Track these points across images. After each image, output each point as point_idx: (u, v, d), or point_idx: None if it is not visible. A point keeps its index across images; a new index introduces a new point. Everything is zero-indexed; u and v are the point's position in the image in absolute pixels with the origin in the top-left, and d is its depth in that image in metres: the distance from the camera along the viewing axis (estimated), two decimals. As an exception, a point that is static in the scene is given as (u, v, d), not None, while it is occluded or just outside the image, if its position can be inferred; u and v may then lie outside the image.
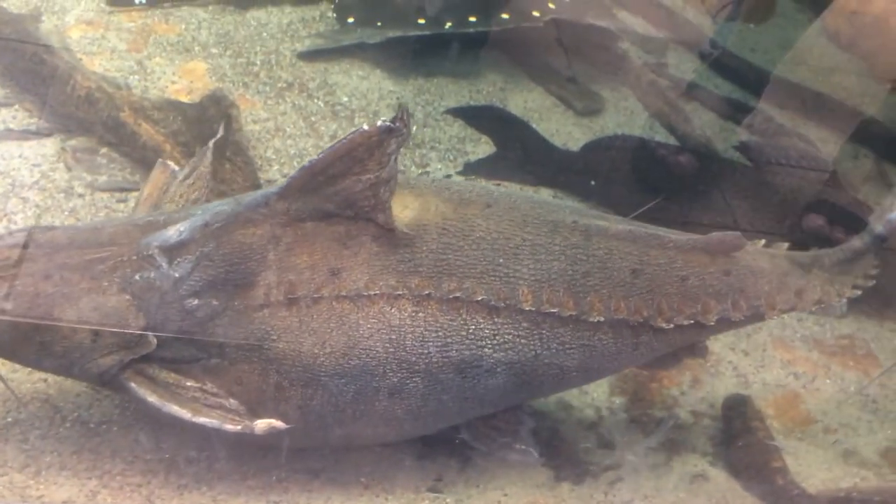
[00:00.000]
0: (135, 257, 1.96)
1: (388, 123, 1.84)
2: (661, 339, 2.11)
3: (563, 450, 2.31)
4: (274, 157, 3.09)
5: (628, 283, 2.05)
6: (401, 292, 1.93)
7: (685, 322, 2.09)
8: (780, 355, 2.75)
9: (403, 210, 1.99)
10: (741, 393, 2.54)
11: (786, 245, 2.28)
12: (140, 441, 2.11)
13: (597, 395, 2.49)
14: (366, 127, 1.84)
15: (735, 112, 3.45)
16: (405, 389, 1.95)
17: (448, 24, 3.56)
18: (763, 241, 2.26)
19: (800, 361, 2.74)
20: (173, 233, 1.97)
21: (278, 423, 1.90)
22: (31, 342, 1.93)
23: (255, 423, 1.90)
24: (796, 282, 2.20)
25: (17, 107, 3.00)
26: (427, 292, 1.93)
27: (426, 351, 1.93)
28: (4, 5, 3.28)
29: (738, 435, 2.38)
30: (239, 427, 1.89)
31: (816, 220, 2.84)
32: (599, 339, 2.04)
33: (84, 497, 1.96)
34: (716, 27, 3.81)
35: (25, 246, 2.02)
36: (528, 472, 2.22)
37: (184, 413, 1.88)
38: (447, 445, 2.18)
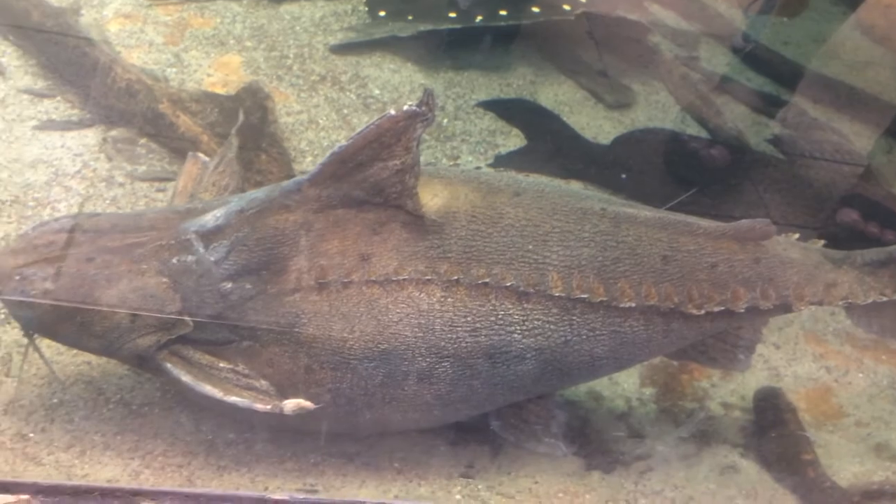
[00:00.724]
0: (173, 242, 2.01)
1: (414, 108, 1.87)
2: (691, 326, 2.11)
3: (593, 439, 2.33)
4: (307, 148, 3.14)
5: (659, 269, 2.06)
6: (430, 278, 1.95)
7: (715, 309, 2.09)
8: (813, 349, 2.75)
9: (433, 198, 2.02)
10: (773, 385, 2.54)
11: (821, 243, 2.27)
12: (181, 423, 2.16)
13: (627, 386, 2.51)
14: (392, 112, 1.87)
15: (767, 105, 3.44)
16: (434, 374, 1.98)
17: (479, 18, 3.59)
18: (797, 235, 2.26)
19: (832, 355, 2.73)
20: (210, 218, 2.03)
21: (307, 404, 1.93)
22: (73, 322, 1.99)
23: (284, 403, 1.93)
24: (826, 275, 2.19)
25: (59, 98, 3.07)
26: (456, 278, 1.96)
27: (455, 336, 1.96)
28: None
29: (769, 427, 2.38)
30: (268, 407, 1.93)
31: (850, 215, 2.83)
32: (630, 326, 2.05)
33: (127, 476, 2.01)
34: (748, 20, 3.79)
35: (71, 230, 2.09)
36: (559, 460, 2.24)
37: (216, 392, 1.92)
38: (479, 433, 2.21)
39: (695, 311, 2.08)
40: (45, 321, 2.01)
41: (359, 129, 1.90)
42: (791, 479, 2.27)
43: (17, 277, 1.99)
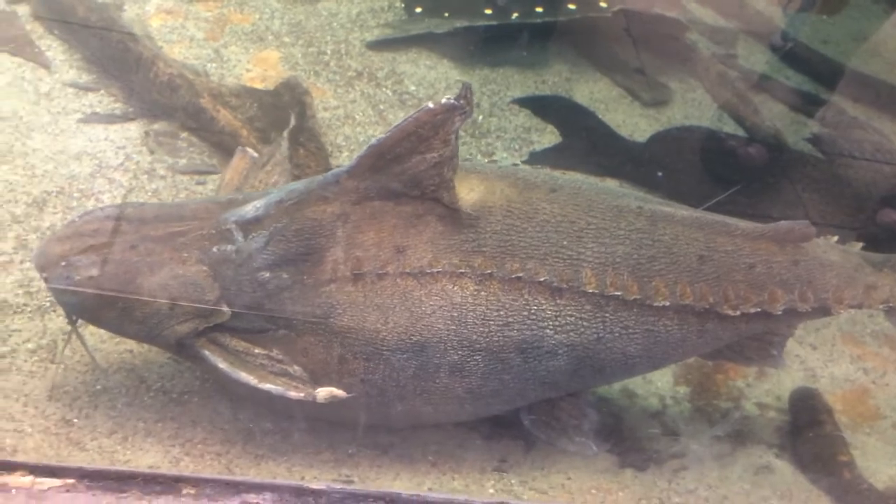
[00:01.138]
0: (213, 231, 2.04)
1: (451, 101, 1.88)
2: (726, 327, 2.10)
3: (626, 437, 2.33)
4: (344, 143, 3.17)
5: (694, 268, 2.06)
6: (464, 271, 1.96)
7: (751, 310, 2.08)
8: (850, 350, 2.72)
9: (469, 192, 2.03)
10: (809, 386, 2.52)
11: (860, 245, 2.24)
12: (219, 412, 2.20)
13: (661, 385, 2.50)
14: (430, 105, 1.89)
15: (806, 104, 3.40)
16: (466, 367, 1.99)
17: (515, 15, 3.59)
18: (836, 238, 2.23)
19: (869, 356, 2.70)
20: (250, 209, 2.06)
21: (339, 392, 1.96)
22: (115, 307, 2.03)
23: (317, 391, 1.96)
24: (866, 278, 2.17)
25: (102, 92, 3.13)
26: (490, 271, 1.96)
27: (487, 329, 1.96)
28: (90, -5, 3.43)
29: (805, 428, 2.36)
30: (302, 395, 1.95)
31: (891, 215, 2.79)
32: (664, 325, 2.05)
33: (168, 463, 2.06)
34: (787, 18, 3.74)
35: (116, 219, 2.13)
36: (592, 457, 2.24)
37: (251, 379, 1.95)
38: (513, 427, 2.22)
39: (730, 312, 2.06)
40: (89, 307, 2.05)
41: (397, 122, 1.92)
42: (827, 480, 2.25)
43: (63, 264, 2.04)
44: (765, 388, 2.54)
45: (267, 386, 1.96)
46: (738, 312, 2.07)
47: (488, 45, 3.62)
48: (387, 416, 2.11)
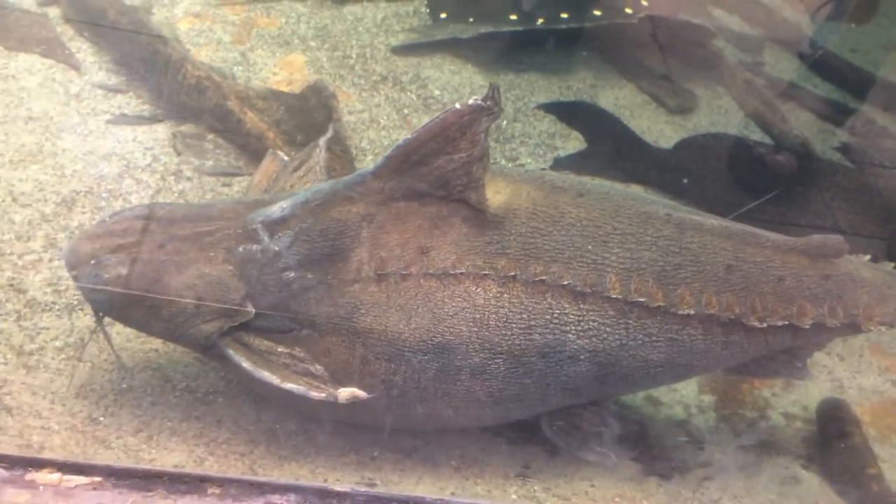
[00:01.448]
0: (240, 231, 2.05)
1: (479, 102, 1.88)
2: (752, 340, 2.08)
3: (651, 444, 2.31)
4: (368, 147, 3.18)
5: (721, 278, 2.03)
6: (487, 273, 1.95)
7: (779, 323, 2.05)
8: (878, 361, 2.68)
9: (495, 195, 2.02)
10: (837, 397, 2.49)
11: (892, 265, 2.21)
12: (243, 412, 2.21)
13: (686, 393, 2.48)
14: (457, 105, 1.88)
15: (835, 113, 3.37)
16: (487, 370, 1.97)
17: (540, 21, 3.59)
18: (868, 256, 2.20)
19: (898, 369, 2.67)
20: (276, 209, 2.07)
21: (360, 393, 1.95)
22: (142, 306, 2.04)
23: (339, 391, 1.95)
24: None
25: (131, 94, 3.17)
26: (513, 274, 1.95)
27: (509, 332, 1.95)
28: (120, -2, 3.47)
29: (833, 439, 2.33)
30: (323, 395, 1.95)
31: (921, 225, 2.76)
32: (688, 334, 2.03)
33: (193, 462, 2.07)
34: (815, 26, 3.71)
35: (145, 218, 2.15)
36: (612, 467, 2.22)
37: (274, 379, 1.95)
38: (537, 433, 2.21)
39: (757, 324, 2.04)
40: (117, 305, 2.07)
41: (423, 123, 1.92)
42: (854, 492, 2.22)
43: (93, 263, 2.06)
44: (791, 399, 2.51)
45: (289, 386, 1.96)
46: (764, 325, 2.04)
47: (513, 50, 3.62)
48: (408, 418, 2.10)
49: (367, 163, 3.10)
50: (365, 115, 3.29)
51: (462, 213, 1.99)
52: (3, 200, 2.65)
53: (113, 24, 3.32)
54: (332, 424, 2.19)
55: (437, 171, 1.96)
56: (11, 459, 1.76)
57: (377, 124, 3.28)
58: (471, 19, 3.67)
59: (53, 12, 3.44)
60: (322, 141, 2.52)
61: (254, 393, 2.20)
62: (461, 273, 1.96)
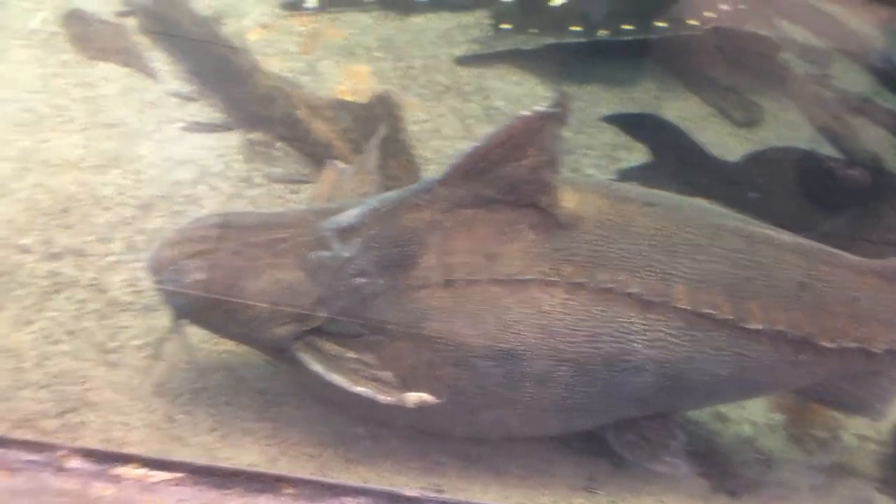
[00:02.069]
0: (311, 238, 2.10)
1: (546, 109, 1.90)
2: (822, 361, 2.04)
3: (719, 461, 2.28)
4: (432, 156, 3.21)
5: (793, 295, 2.01)
6: (554, 279, 1.96)
7: (850, 345, 2.02)
8: (955, 384, 2.61)
9: (562, 203, 2.03)
10: (912, 419, 2.43)
11: None
12: (314, 415, 2.25)
13: (754, 410, 2.44)
14: (526, 113, 1.90)
15: (907, 128, 3.29)
16: (552, 378, 1.97)
17: (604, 32, 3.59)
18: None
19: (976, 392, 2.59)
20: (346, 217, 2.11)
21: (428, 398, 1.97)
22: (219, 309, 2.11)
23: (407, 395, 1.98)
24: None
25: (203, 102, 3.26)
26: (580, 281, 1.95)
27: (575, 340, 1.95)
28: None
29: (908, 462, 2.28)
30: (391, 399, 1.97)
31: None
32: (756, 350, 2.00)
33: (266, 462, 2.12)
34: (888, 40, 3.64)
35: (222, 226, 2.22)
36: (684, 480, 2.21)
37: (344, 382, 1.98)
38: (604, 445, 2.20)
39: (827, 344, 2.00)
40: (196, 308, 2.14)
41: (491, 131, 1.94)
42: (930, 517, 2.17)
43: (174, 268, 2.13)
44: (864, 421, 2.46)
45: (359, 389, 1.99)
46: (835, 345, 2.01)
47: (576, 61, 3.63)
48: (474, 425, 2.12)
49: (430, 172, 3.14)
50: (428, 125, 3.33)
51: (529, 220, 2.01)
52: (87, 203, 2.75)
53: (186, 35, 3.43)
54: (398, 429, 2.22)
55: (505, 178, 1.98)
56: (98, 454, 1.83)
57: (440, 134, 3.31)
58: (533, 31, 3.69)
59: (131, 23, 3.57)
60: (374, 142, 2.58)
61: (322, 397, 2.25)
62: (528, 279, 1.97)
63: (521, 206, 2.01)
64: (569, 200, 2.05)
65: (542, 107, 1.90)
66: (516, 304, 1.96)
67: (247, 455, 2.12)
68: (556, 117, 1.91)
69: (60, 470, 1.75)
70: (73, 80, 3.23)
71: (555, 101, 1.91)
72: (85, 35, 3.41)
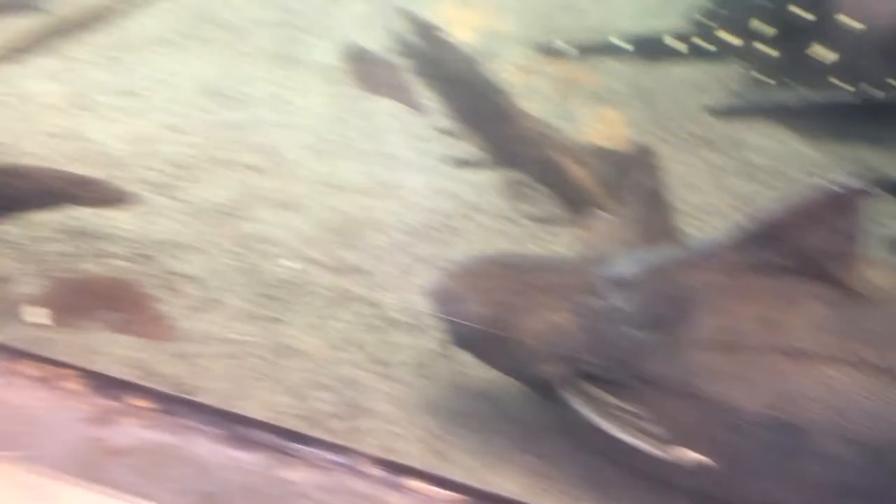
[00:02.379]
0: (585, 285, 2.18)
1: (854, 185, 1.87)
2: None
3: None
4: (682, 207, 3.21)
5: None
6: (844, 357, 1.90)
7: None
8: None
9: (859, 279, 1.97)
10: None
11: None
12: (568, 453, 2.32)
13: None
14: (832, 187, 1.88)
15: None
16: (840, 460, 1.91)
17: (873, 91, 3.42)
18: None
19: None
20: (622, 268, 2.18)
21: (698, 457, 1.96)
22: (491, 342, 2.24)
23: (681, 452, 1.98)
24: None
25: (466, 139, 3.48)
26: (871, 361, 1.89)
27: (863, 421, 1.88)
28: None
29: None
30: (661, 453, 1.98)
31: None
32: None
33: (521, 492, 2.20)
34: None
35: (501, 265, 2.37)
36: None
37: (611, 428, 2.02)
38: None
39: None
40: (472, 338, 2.29)
41: (788, 200, 1.92)
42: None
43: (454, 299, 2.31)
44: None
45: (627, 437, 2.03)
46: None
47: (843, 121, 3.48)
48: (742, 491, 2.09)
49: (682, 223, 3.14)
50: (681, 176, 3.34)
51: (817, 291, 1.97)
52: (365, 225, 3.03)
53: (453, 74, 3.68)
54: (652, 482, 2.23)
55: (800, 248, 1.96)
56: (386, 463, 1.99)
57: (692, 186, 3.31)
58: (796, 85, 3.59)
59: (404, 62, 3.88)
60: (635, 191, 2.62)
61: (576, 436, 2.31)
62: (815, 352, 1.93)
63: (809, 277, 1.98)
64: (865, 276, 1.99)
65: (851, 182, 1.87)
66: (800, 376, 1.93)
67: (504, 482, 2.23)
68: (863, 194, 1.87)
69: (359, 474, 1.94)
70: (354, 112, 3.57)
71: (862, 179, 1.88)
72: (366, 71, 3.76)
